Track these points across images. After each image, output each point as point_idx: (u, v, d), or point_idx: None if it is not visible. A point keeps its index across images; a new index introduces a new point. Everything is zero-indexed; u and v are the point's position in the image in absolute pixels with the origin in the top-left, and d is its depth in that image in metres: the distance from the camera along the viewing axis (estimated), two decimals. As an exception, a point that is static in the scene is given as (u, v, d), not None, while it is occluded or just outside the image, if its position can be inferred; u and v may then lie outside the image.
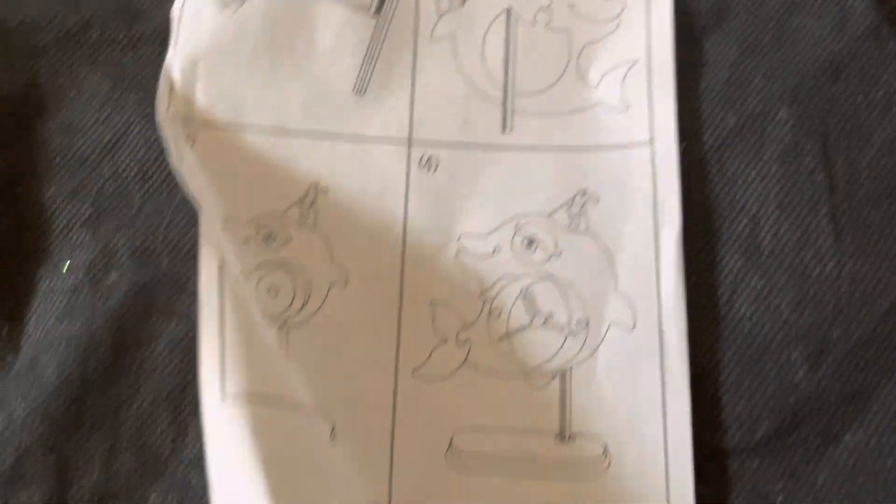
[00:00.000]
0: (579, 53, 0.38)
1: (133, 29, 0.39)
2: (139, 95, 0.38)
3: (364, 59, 0.37)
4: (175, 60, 0.36)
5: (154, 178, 0.36)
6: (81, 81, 0.38)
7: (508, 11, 0.38)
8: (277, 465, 0.25)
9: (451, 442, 0.33)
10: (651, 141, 0.36)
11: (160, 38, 0.38)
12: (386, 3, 0.38)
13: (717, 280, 0.35)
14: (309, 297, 0.34)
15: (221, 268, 0.30)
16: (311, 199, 0.36)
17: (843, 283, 0.34)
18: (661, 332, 0.33)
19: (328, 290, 0.34)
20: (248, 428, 0.25)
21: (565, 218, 0.35)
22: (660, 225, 0.35)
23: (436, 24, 0.38)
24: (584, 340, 0.34)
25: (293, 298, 0.34)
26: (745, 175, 0.36)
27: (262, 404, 0.27)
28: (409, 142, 0.36)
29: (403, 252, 0.35)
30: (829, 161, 0.36)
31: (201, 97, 0.36)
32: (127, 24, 0.39)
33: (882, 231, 0.35)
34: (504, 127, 0.37)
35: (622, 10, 0.38)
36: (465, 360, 0.34)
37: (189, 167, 0.34)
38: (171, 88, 0.36)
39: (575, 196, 0.36)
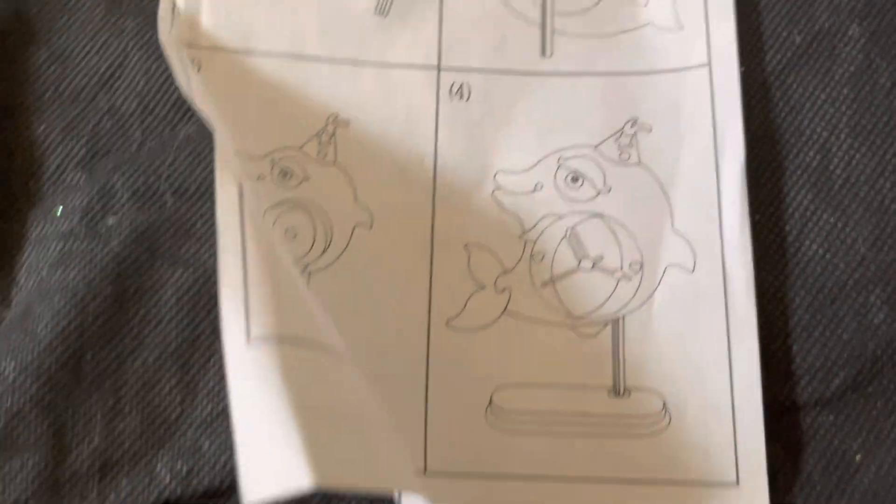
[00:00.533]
0: None
1: None
2: (138, 20, 0.34)
3: None
4: None
5: (155, 112, 0.33)
6: (73, 5, 0.34)
7: None
8: (311, 411, 0.21)
9: (490, 399, 0.29)
10: (709, 63, 0.32)
11: None
12: None
13: (784, 216, 0.31)
14: (331, 240, 0.30)
15: (241, 196, 0.26)
16: (330, 132, 0.32)
17: (927, 217, 0.30)
18: (724, 275, 0.30)
19: (352, 232, 0.31)
20: (277, 372, 0.22)
21: (614, 150, 0.32)
22: (720, 156, 0.31)
23: None
24: (639, 285, 0.30)
25: (314, 241, 0.30)
26: (814, 99, 0.32)
27: (293, 345, 0.23)
28: (439, 68, 0.33)
29: (434, 190, 0.31)
30: (907, 81, 0.32)
31: (207, 19, 0.33)
32: None
33: (968, 158, 0.31)
34: (544, 50, 0.33)
35: None
36: (505, 308, 0.30)
37: (195, 94, 0.30)
38: (174, 10, 0.33)
39: (625, 125, 0.32)
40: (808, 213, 0.31)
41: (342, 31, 0.33)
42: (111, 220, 0.31)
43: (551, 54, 0.33)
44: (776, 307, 0.30)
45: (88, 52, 0.34)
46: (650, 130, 0.32)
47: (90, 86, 0.33)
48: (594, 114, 0.32)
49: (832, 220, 0.31)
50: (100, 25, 0.34)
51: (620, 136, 0.32)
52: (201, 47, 0.32)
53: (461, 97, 0.32)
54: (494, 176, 0.32)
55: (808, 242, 0.31)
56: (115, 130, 0.33)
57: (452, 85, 0.32)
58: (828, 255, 0.31)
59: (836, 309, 0.30)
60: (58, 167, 0.32)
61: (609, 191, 0.31)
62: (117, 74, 0.34)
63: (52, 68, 0.34)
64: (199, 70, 0.32)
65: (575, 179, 0.32)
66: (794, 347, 0.30)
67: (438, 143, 0.32)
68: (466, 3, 0.33)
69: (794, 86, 0.32)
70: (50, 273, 0.30)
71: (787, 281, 0.30)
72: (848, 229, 0.31)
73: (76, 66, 0.34)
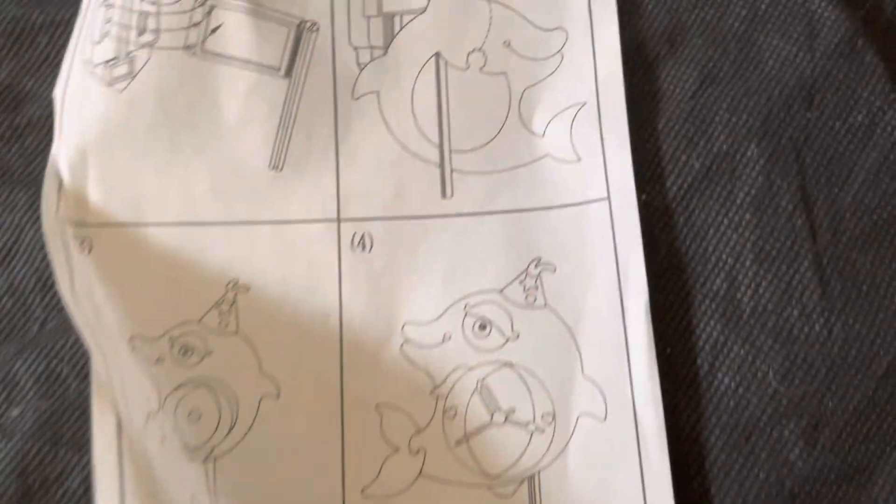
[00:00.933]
0: (521, 98, 0.33)
1: (18, 117, 0.34)
2: (30, 193, 0.33)
3: (278, 129, 0.33)
4: (61, 152, 0.32)
5: (55, 288, 0.32)
6: None
7: (437, 56, 0.33)
8: None
9: None
10: (608, 197, 0.31)
11: (49, 125, 0.33)
12: (297, 60, 0.33)
13: (694, 349, 0.30)
14: (237, 416, 0.30)
15: (119, 426, 0.26)
16: (230, 300, 0.31)
17: (835, 344, 0.30)
18: (636, 420, 0.29)
19: (258, 405, 0.30)
20: None
21: (520, 292, 0.31)
22: (625, 294, 0.31)
23: (357, 79, 0.33)
24: (552, 437, 0.30)
25: (219, 421, 0.30)
26: (717, 225, 0.32)
27: None
28: (338, 220, 0.32)
29: (341, 350, 0.31)
30: (808, 201, 0.31)
31: (95, 193, 0.32)
32: (9, 111, 0.35)
33: (873, 278, 0.30)
34: (444, 191, 0.33)
35: (564, 43, 0.34)
36: (421, 471, 0.30)
37: (85, 280, 0.29)
38: (60, 186, 0.31)
39: (528, 266, 0.31)
40: (719, 346, 0.31)
41: (236, 191, 0.32)
42: (15, 412, 0.30)
43: (452, 195, 0.32)
44: (691, 447, 0.30)
45: (-19, 232, 0.33)
46: (554, 270, 0.31)
47: (-15, 267, 0.32)
48: (498, 255, 0.32)
49: (742, 352, 0.30)
50: None
51: (525, 277, 0.31)
52: (91, 225, 0.31)
53: (363, 248, 0.32)
54: (402, 328, 0.31)
55: (720, 376, 0.30)
56: (15, 310, 0.32)
57: (354, 236, 0.32)
58: (740, 390, 0.30)
59: (751, 446, 0.30)
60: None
61: (517, 337, 0.31)
62: (13, 251, 0.33)
63: None
64: (90, 250, 0.31)
65: (483, 327, 0.31)
66: (712, 489, 0.29)
67: (343, 299, 0.31)
68: (363, 149, 0.33)
69: (697, 211, 0.32)
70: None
71: (700, 419, 0.30)
72: (758, 362, 0.30)
73: (-30, 247, 0.32)
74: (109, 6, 0.33)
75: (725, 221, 0.32)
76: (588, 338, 0.30)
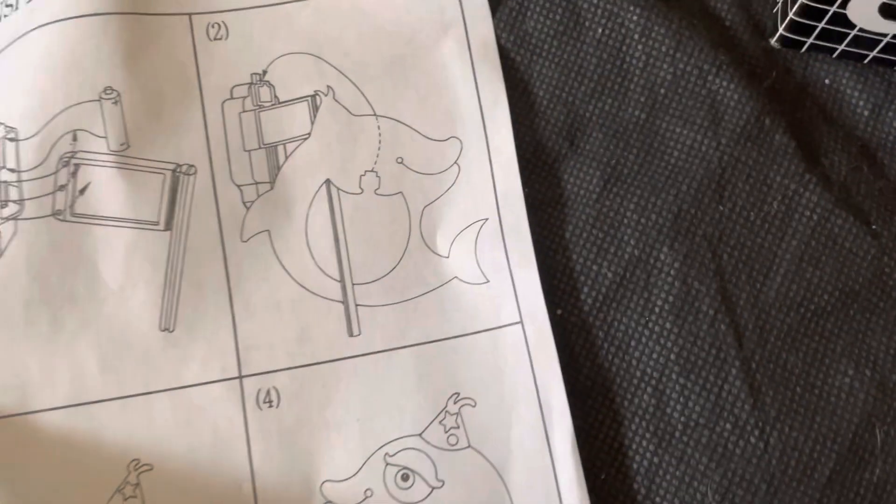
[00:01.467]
0: (420, 217, 0.31)
1: None
2: None
3: (164, 287, 0.30)
4: None
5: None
6: None
7: (328, 183, 0.31)
8: None
9: None
10: (520, 320, 0.29)
11: None
12: (177, 209, 0.31)
13: (629, 473, 0.29)
14: None
15: None
16: (134, 482, 0.29)
17: (773, 457, 0.28)
18: None
19: None
20: None
21: (441, 434, 0.30)
22: (549, 422, 0.29)
23: (244, 219, 0.31)
24: None
25: None
26: (638, 336, 0.30)
27: None
28: (240, 377, 0.30)
29: None
30: (730, 303, 0.30)
31: None
32: None
33: (806, 378, 0.29)
34: (350, 330, 0.30)
35: (459, 153, 0.32)
36: None
37: None
38: None
39: (447, 403, 0.30)
40: (654, 467, 0.29)
41: (127, 361, 0.30)
42: None
43: (360, 333, 0.30)
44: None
45: None
46: (475, 405, 0.30)
47: None
48: (414, 393, 0.30)
49: (678, 472, 0.29)
50: None
51: (444, 416, 0.30)
52: None
53: (270, 405, 0.30)
54: (321, 488, 0.29)
55: (658, 500, 0.29)
56: None
57: (259, 392, 0.30)
58: (680, 514, 0.28)
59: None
60: None
61: (443, 485, 0.29)
62: None
63: None
64: None
65: (405, 478, 0.29)
66: None
67: (254, 464, 0.29)
68: (259, 297, 0.31)
69: (616, 324, 0.30)
70: None
71: (642, 550, 0.28)
72: (696, 482, 0.29)
73: None
74: None
75: (646, 332, 0.30)
76: (517, 476, 0.29)
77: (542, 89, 0.32)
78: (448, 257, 0.31)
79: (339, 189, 0.31)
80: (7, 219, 0.30)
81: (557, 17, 0.32)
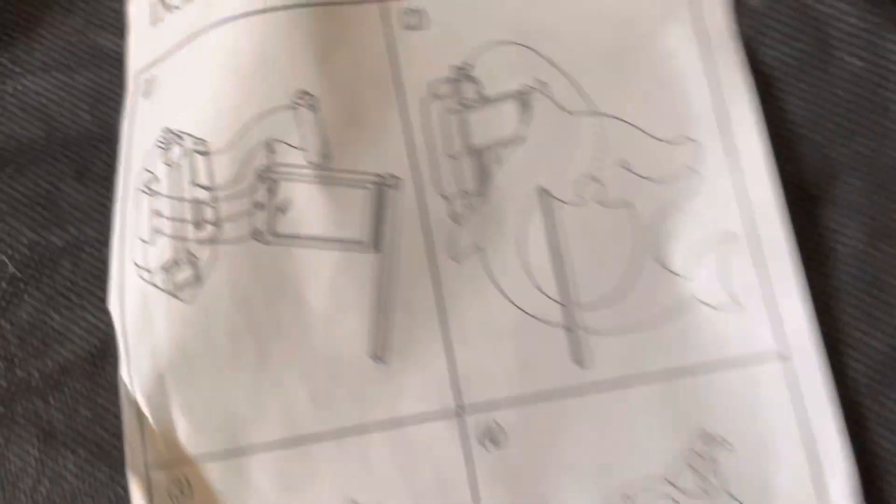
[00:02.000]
0: (653, 231, 0.28)
1: (48, 362, 0.29)
2: (78, 455, 0.28)
3: (375, 313, 0.28)
4: (135, 382, 0.27)
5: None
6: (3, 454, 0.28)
7: (544, 193, 0.28)
8: None
9: None
10: (781, 353, 0.26)
11: (87, 365, 0.28)
12: (384, 226, 0.28)
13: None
14: None
15: None
16: None
17: None
18: None
19: None
20: None
21: (689, 479, 0.26)
22: (824, 473, 0.26)
23: (455, 238, 0.28)
24: None
25: None
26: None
27: None
28: (460, 410, 0.27)
29: None
30: None
31: (182, 424, 0.27)
32: (39, 355, 0.29)
33: None
34: (579, 359, 0.27)
35: (695, 156, 0.28)
36: None
37: None
38: (142, 430, 0.27)
39: (693, 444, 0.26)
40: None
41: (337, 391, 0.27)
42: None
43: (591, 362, 0.27)
44: None
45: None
46: (730, 448, 0.26)
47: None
48: (656, 432, 0.26)
49: None
50: (37, 473, 0.28)
51: (694, 458, 0.26)
52: (185, 461, 0.27)
53: (495, 443, 0.27)
54: None
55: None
56: None
57: (481, 428, 0.27)
58: None
59: None
60: None
61: None
62: None
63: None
64: (191, 493, 0.27)
65: None
66: None
67: None
68: (474, 319, 0.28)
69: (890, 403, 0.27)
70: None
71: None
72: None
73: None
74: (153, 194, 0.28)
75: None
76: None
77: (784, 127, 0.29)
78: (689, 278, 0.28)
79: (557, 199, 0.28)
80: (204, 241, 0.27)
81: (802, 46, 0.30)
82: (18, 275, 0.30)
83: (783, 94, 0.29)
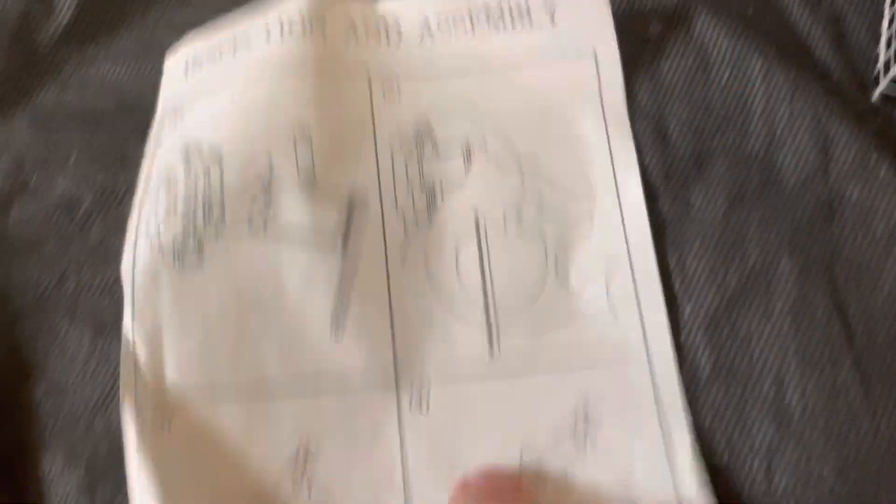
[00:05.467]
0: (556, 258, 0.35)
1: (108, 272, 0.37)
2: (119, 344, 0.35)
3: (337, 299, 0.35)
4: (135, 328, 0.34)
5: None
6: (63, 339, 0.36)
7: (476, 223, 0.36)
8: None
9: None
10: (647, 355, 0.34)
11: None
12: (351, 237, 0.35)
13: (750, 453, 0.33)
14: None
15: None
16: (301, 467, 0.33)
17: (883, 440, 0.32)
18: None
19: None
20: None
21: (569, 448, 0.33)
22: (672, 435, 0.33)
23: (406, 249, 0.36)
24: None
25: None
26: (759, 333, 0.34)
27: None
28: (397, 383, 0.34)
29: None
30: (842, 309, 0.34)
31: (171, 371, 0.33)
32: (101, 268, 0.37)
33: (912, 376, 0.33)
34: (491, 353, 0.34)
35: (594, 206, 0.36)
36: None
37: (163, 454, 0.32)
38: (136, 365, 0.34)
39: (577, 422, 0.33)
40: (773, 448, 0.33)
41: (301, 360, 0.34)
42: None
43: (500, 355, 0.34)
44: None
45: (81, 380, 0.36)
46: (603, 426, 0.33)
47: (87, 413, 0.35)
48: (545, 414, 0.33)
49: (796, 453, 0.32)
50: (88, 353, 0.36)
51: (574, 434, 0.33)
52: (169, 401, 0.33)
53: (421, 410, 0.34)
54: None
55: (777, 478, 0.32)
56: (114, 452, 0.34)
57: (412, 398, 0.34)
58: (798, 488, 0.32)
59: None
60: (62, 497, 0.34)
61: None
62: (111, 398, 0.35)
63: (51, 400, 0.35)
64: (169, 426, 0.33)
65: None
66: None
67: (406, 460, 0.33)
68: (415, 315, 0.35)
69: (739, 322, 0.34)
70: None
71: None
72: (813, 462, 0.32)
73: (72, 394, 0.36)
74: (172, 186, 0.35)
75: (767, 330, 0.34)
76: (639, 478, 0.32)
77: (674, 122, 0.38)
78: (582, 297, 0.35)
79: (486, 226, 0.36)
80: (209, 229, 0.35)
81: (689, 63, 0.39)
82: (92, 206, 0.39)
83: (674, 98, 0.38)
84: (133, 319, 0.34)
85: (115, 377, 0.35)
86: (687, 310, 0.34)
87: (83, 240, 0.38)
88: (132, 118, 0.39)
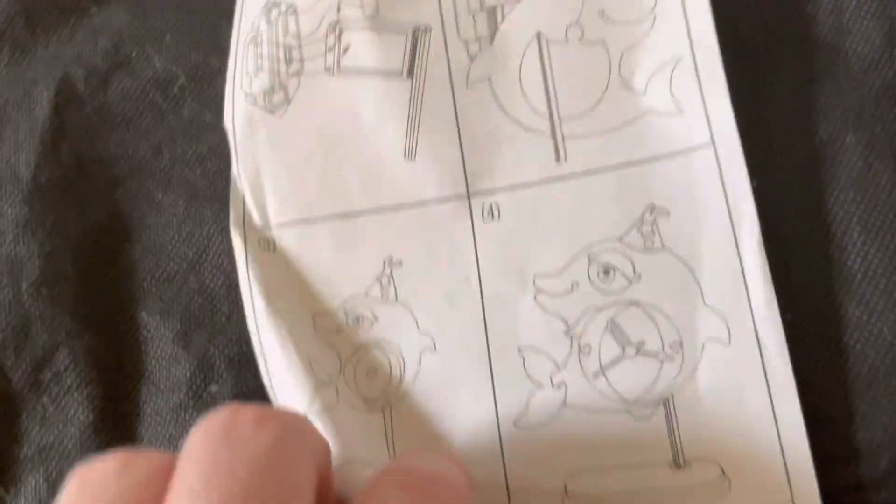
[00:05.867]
0: (620, 62, 0.36)
1: (199, 145, 0.40)
2: (215, 208, 0.38)
3: (407, 124, 0.37)
4: (241, 172, 0.37)
5: (239, 287, 0.36)
6: (159, 204, 0.39)
7: (538, 36, 0.37)
8: None
9: (565, 487, 0.32)
10: (712, 142, 0.34)
11: (224, 150, 0.38)
12: (417, 62, 0.37)
13: (813, 312, 0.33)
14: (404, 369, 0.34)
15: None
16: (387, 275, 0.36)
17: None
18: (759, 343, 0.32)
19: (420, 358, 0.34)
20: None
21: (638, 239, 0.34)
22: (738, 230, 0.33)
23: (469, 70, 0.37)
24: (682, 363, 0.33)
25: (390, 375, 0.34)
26: (824, 202, 0.35)
27: None
28: (468, 195, 0.36)
29: (483, 305, 0.35)
30: (905, 177, 0.34)
31: (272, 202, 0.36)
32: (194, 141, 0.40)
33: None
34: (557, 157, 0.36)
35: (655, 4, 0.36)
36: (564, 402, 0.33)
37: (272, 274, 0.35)
38: (243, 201, 0.37)
39: (643, 213, 0.34)
40: (835, 308, 0.33)
41: (380, 181, 0.36)
42: (213, 388, 0.35)
43: (566, 159, 0.36)
44: (819, 399, 0.32)
45: (176, 242, 0.38)
46: (668, 214, 0.34)
47: (181, 271, 0.38)
48: (614, 207, 0.34)
49: (857, 312, 0.33)
50: (183, 217, 0.38)
51: (641, 224, 0.34)
52: (272, 227, 0.36)
53: (492, 217, 0.36)
54: (534, 282, 0.35)
55: (838, 335, 0.33)
56: (206, 307, 0.37)
57: (483, 208, 0.36)
58: (858, 346, 0.33)
59: (872, 393, 0.32)
60: (160, 345, 0.37)
61: (640, 278, 0.34)
62: (203, 258, 0.38)
63: (148, 260, 0.38)
64: (274, 249, 0.36)
65: (607, 273, 0.34)
66: (839, 433, 0.32)
67: (480, 263, 0.35)
68: (482, 131, 0.36)
69: (807, 189, 0.35)
70: (167, 446, 0.34)
71: (824, 371, 0.33)
72: (874, 320, 0.33)
73: (168, 255, 0.38)
74: (258, 44, 0.38)
75: (832, 198, 0.35)
76: (707, 272, 0.33)
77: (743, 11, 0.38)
78: (645, 94, 0.36)
79: (547, 40, 0.37)
80: (292, 74, 0.38)
81: None
82: (185, 84, 0.41)
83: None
84: (238, 164, 0.37)
85: (208, 239, 0.38)
86: (754, 182, 0.34)
87: (177, 115, 0.40)
88: (223, 3, 0.41)
